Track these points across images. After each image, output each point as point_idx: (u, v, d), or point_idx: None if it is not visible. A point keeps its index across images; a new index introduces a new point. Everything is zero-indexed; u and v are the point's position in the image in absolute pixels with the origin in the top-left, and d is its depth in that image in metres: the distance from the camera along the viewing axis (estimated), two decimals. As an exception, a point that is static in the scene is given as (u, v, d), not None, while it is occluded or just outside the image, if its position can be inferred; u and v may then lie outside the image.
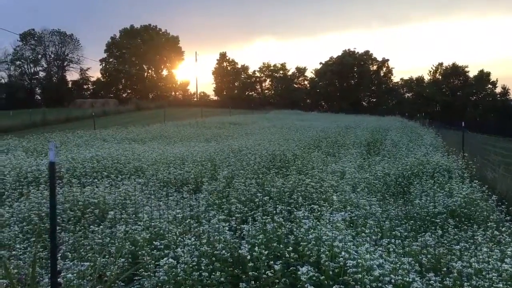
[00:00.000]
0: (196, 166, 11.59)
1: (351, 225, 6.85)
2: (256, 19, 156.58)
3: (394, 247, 5.71)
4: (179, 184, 10.08)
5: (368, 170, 12.53)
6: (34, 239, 6.33)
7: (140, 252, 5.47)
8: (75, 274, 4.68)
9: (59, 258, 5.23)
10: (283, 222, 6.09)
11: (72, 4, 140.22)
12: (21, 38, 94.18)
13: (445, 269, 5.14)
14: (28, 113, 50.38)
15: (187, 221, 6.48)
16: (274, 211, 6.66)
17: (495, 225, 7.67)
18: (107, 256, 5.47)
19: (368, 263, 4.51)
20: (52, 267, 4.32)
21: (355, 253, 4.88)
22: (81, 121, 47.79)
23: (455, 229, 7.62)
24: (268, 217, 6.28)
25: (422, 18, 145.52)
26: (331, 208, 7.37)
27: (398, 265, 4.66)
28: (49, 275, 4.53)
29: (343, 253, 4.73)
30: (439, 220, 8.01)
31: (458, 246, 5.90)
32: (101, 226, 6.68)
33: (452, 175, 11.45)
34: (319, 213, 6.77)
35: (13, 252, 5.86)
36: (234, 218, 6.71)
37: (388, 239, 6.17)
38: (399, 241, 6.10)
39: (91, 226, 6.81)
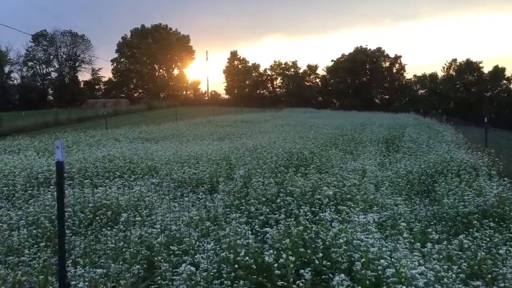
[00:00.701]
0: (211, 165, 11.18)
1: (380, 227, 6.39)
2: (266, 17, 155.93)
3: (430, 251, 5.25)
4: (194, 184, 9.68)
5: (389, 168, 12.02)
6: (44, 243, 5.97)
7: (156, 258, 5.08)
8: (86, 283, 4.29)
9: (69, 264, 4.86)
10: (308, 225, 5.64)
11: (83, 4, 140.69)
12: (33, 39, 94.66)
13: (489, 275, 4.67)
14: (40, 114, 50.60)
15: (206, 224, 6.06)
16: (298, 213, 6.22)
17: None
18: (121, 263, 5.09)
19: (409, 272, 4.06)
20: (60, 275, 3.96)
21: (392, 259, 4.43)
22: (93, 121, 47.73)
23: (491, 230, 7.14)
24: (292, 219, 5.86)
25: (434, 14, 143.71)
26: (358, 209, 6.92)
27: (442, 273, 4.19)
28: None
29: (380, 260, 4.27)
30: (475, 221, 7.52)
31: (502, 250, 5.42)
32: (114, 229, 6.31)
33: (479, 173, 10.90)
34: (347, 214, 6.32)
35: (22, 258, 5.51)
36: (255, 220, 6.28)
37: (421, 243, 5.71)
38: (434, 244, 5.63)
39: (103, 229, 6.43)
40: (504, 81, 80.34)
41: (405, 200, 8.92)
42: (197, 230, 5.97)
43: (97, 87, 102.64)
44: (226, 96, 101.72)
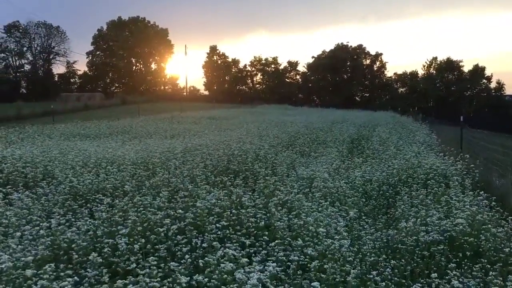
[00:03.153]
0: (123, 171, 9.06)
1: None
2: (248, 13, 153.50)
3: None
4: (92, 195, 7.54)
5: (345, 175, 10.01)
6: None
7: None
8: None
9: None
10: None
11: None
12: (5, 30, 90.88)
13: None
14: (4, 107, 47.82)
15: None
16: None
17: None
18: None
19: None
20: None
21: None
22: (59, 115, 44.90)
23: (459, 270, 5.20)
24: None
25: (417, 13, 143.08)
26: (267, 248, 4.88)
27: None
28: None
29: None
30: (439, 255, 5.59)
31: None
32: None
33: (451, 183, 8.96)
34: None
35: None
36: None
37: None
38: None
39: None
40: (484, 80, 79.56)
41: (352, 221, 6.90)
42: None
43: (72, 80, 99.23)
44: (205, 92, 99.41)
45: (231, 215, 5.71)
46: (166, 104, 59.97)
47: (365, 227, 6.65)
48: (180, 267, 4.31)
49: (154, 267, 4.20)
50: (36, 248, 4.83)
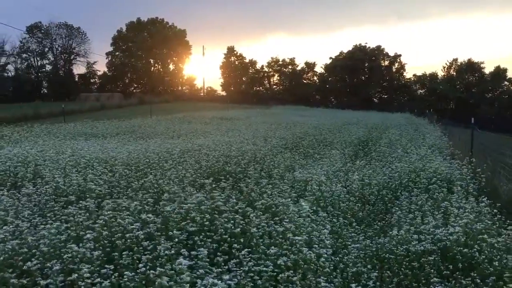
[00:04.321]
0: (115, 172, 8.84)
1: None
2: (266, 14, 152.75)
3: None
4: (77, 197, 7.30)
5: (344, 178, 9.60)
6: None
7: None
8: None
9: None
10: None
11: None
12: (27, 30, 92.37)
13: None
14: (24, 107, 48.50)
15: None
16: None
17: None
18: None
19: None
20: None
21: None
22: (77, 115, 45.23)
23: (449, 283, 4.81)
24: None
25: (437, 14, 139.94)
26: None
27: None
28: None
29: None
30: (429, 266, 5.20)
31: None
32: None
33: (454, 188, 8.49)
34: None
35: None
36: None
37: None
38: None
39: None
40: (506, 82, 77.68)
41: (343, 228, 6.52)
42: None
43: (92, 80, 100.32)
44: (222, 93, 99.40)
45: (205, 220, 5.40)
46: (182, 104, 60.11)
47: (353, 234, 6.24)
48: (136, 277, 4.02)
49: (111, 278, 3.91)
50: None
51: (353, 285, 4.55)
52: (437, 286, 4.63)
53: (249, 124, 25.14)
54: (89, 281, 3.91)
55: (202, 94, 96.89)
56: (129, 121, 26.67)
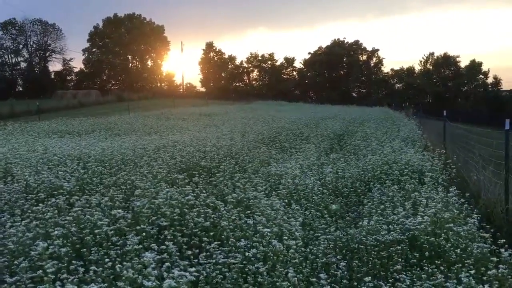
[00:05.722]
0: (88, 169, 8.75)
1: None
2: (245, 9, 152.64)
3: None
4: (48, 194, 7.20)
5: (317, 172, 9.69)
6: None
7: None
8: None
9: None
10: None
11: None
12: (1, 27, 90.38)
13: None
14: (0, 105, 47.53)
15: None
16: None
17: (474, 264, 4.97)
18: None
19: None
20: None
21: None
22: (53, 113, 44.50)
23: (417, 271, 4.92)
24: None
25: (414, 8, 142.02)
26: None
27: None
28: None
29: None
30: (396, 256, 5.30)
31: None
32: None
33: (425, 179, 8.66)
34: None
35: None
36: None
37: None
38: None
39: None
40: (481, 76, 79.20)
41: (315, 220, 6.60)
42: None
43: (68, 78, 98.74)
44: (202, 89, 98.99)
45: (174, 214, 5.41)
46: (161, 101, 59.66)
47: (324, 226, 6.33)
48: (102, 273, 4.01)
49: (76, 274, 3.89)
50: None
51: (321, 274, 4.62)
52: (402, 274, 4.72)
53: (227, 119, 25.14)
54: (53, 276, 3.87)
55: (181, 90, 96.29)
56: (106, 118, 26.41)
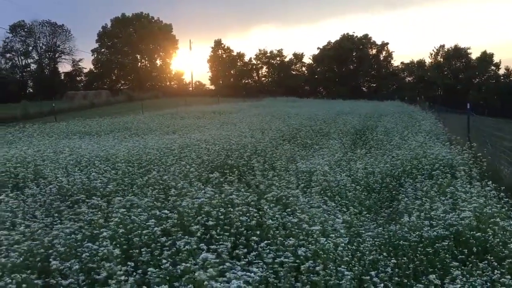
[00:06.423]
0: (117, 169, 8.76)
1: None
2: (253, 6, 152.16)
3: None
4: (81, 196, 7.21)
5: (346, 168, 9.64)
6: None
7: None
8: None
9: None
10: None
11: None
12: (10, 30, 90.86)
13: None
14: (11, 107, 47.96)
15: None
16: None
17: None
18: None
19: None
20: None
21: None
22: (66, 114, 44.79)
23: (465, 268, 4.85)
24: None
25: (424, 1, 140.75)
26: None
27: None
28: None
29: None
30: (443, 251, 5.23)
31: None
32: None
33: (457, 174, 8.55)
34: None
35: None
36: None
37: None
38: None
39: None
40: (493, 67, 78.32)
41: (353, 217, 6.55)
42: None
43: (78, 78, 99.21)
44: (211, 87, 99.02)
45: (220, 214, 5.38)
46: (172, 100, 59.77)
47: (365, 223, 6.28)
48: (159, 273, 4.00)
49: (131, 275, 3.87)
50: (9, 255, 4.54)
51: (372, 272, 4.57)
52: (456, 270, 4.66)
53: (243, 117, 25.07)
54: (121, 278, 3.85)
55: (190, 88, 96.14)
56: (121, 118, 26.52)
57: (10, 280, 3.84)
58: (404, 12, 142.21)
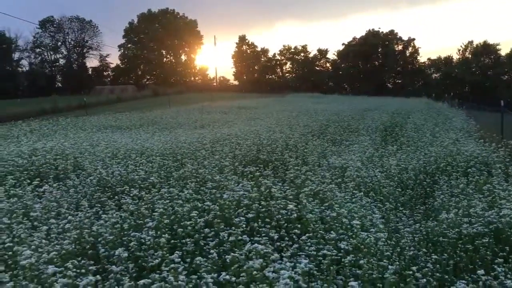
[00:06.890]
0: (152, 162, 8.96)
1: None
2: (277, 2, 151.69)
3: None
4: (120, 187, 7.40)
5: (379, 164, 9.62)
6: None
7: None
8: None
9: None
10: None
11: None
12: (40, 25, 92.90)
13: None
14: (41, 101, 49.15)
15: None
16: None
17: None
18: None
19: None
20: None
21: None
22: (95, 108, 45.52)
23: (507, 265, 4.83)
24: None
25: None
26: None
27: None
28: None
29: None
30: (484, 248, 5.21)
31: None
32: None
33: (493, 171, 8.46)
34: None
35: None
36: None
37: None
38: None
39: None
40: (523, 64, 76.36)
41: (388, 213, 6.56)
42: None
43: (105, 73, 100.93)
44: (235, 82, 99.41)
45: (260, 207, 5.48)
46: (197, 95, 60.25)
47: (403, 218, 6.29)
48: (207, 263, 4.11)
49: (179, 264, 4.00)
50: (61, 243, 4.73)
51: (414, 267, 4.60)
52: (500, 267, 4.64)
53: (269, 112, 25.12)
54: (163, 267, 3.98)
55: (215, 84, 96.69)
56: (150, 112, 26.93)
57: (67, 265, 4.01)
58: (431, 8, 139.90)
